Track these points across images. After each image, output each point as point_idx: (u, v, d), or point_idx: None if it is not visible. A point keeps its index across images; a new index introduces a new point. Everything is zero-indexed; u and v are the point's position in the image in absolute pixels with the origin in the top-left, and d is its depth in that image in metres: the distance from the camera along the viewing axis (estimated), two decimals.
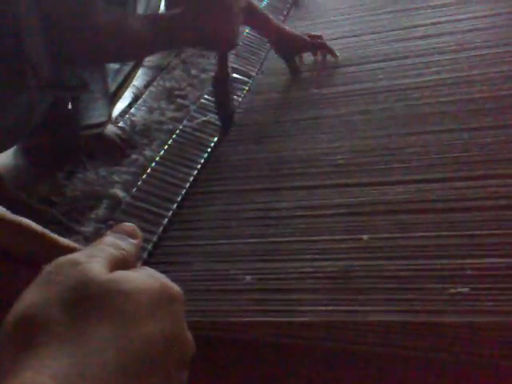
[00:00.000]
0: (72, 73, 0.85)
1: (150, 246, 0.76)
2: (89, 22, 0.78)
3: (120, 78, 1.02)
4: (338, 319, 0.60)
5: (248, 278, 0.67)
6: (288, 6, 1.45)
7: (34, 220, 0.79)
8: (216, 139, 0.98)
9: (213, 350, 0.60)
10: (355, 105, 0.97)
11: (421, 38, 1.12)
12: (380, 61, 1.08)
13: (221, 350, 0.61)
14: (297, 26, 1.34)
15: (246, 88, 1.12)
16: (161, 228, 0.80)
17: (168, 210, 0.83)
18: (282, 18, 1.39)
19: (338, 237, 0.71)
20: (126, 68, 1.02)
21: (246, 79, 1.16)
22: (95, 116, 0.96)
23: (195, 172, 0.90)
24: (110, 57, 0.89)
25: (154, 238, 0.78)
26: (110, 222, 0.79)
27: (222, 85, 0.99)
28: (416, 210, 0.72)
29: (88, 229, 0.79)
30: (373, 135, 0.88)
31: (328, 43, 1.14)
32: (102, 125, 0.97)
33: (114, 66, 0.99)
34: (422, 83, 0.97)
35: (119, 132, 0.98)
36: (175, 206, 0.84)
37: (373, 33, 1.21)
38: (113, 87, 1.00)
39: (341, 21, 1.32)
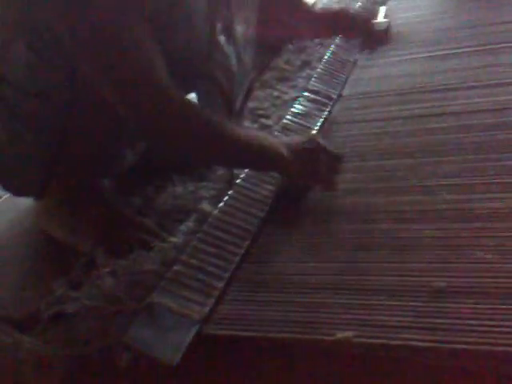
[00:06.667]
0: None
1: (237, 258, 0.79)
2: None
3: None
4: None
5: None
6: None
7: (129, 229, 0.84)
8: None
9: None
10: None
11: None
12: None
13: None
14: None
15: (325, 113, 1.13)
16: (247, 242, 0.82)
17: (253, 224, 0.85)
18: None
19: None
20: None
21: (326, 101, 1.18)
22: None
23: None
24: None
25: (241, 251, 0.80)
26: (199, 235, 0.83)
27: None
28: None
29: (178, 240, 0.82)
30: None
31: None
32: None
33: None
34: None
35: None
36: (259, 220, 0.86)
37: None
38: None
39: None
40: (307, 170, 0.87)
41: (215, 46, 0.91)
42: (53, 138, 0.84)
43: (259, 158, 0.87)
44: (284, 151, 0.85)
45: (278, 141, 0.90)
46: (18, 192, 0.95)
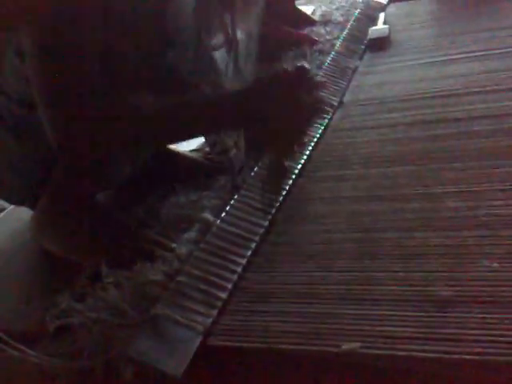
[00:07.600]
0: None
1: (240, 268, 0.79)
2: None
3: None
4: None
5: None
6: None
7: (132, 240, 0.83)
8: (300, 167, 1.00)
9: None
10: None
11: None
12: None
13: None
14: None
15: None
16: (249, 251, 0.82)
17: (256, 233, 0.85)
18: None
19: None
20: None
21: (327, 108, 1.18)
22: None
23: (281, 198, 0.92)
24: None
25: (244, 261, 0.80)
26: (201, 245, 0.82)
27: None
28: None
29: (181, 250, 0.82)
30: None
31: None
32: None
33: None
34: None
35: None
36: (262, 230, 0.86)
37: None
38: None
39: None
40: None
41: (201, 59, 0.90)
42: (40, 149, 0.84)
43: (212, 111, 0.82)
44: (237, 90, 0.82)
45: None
46: (9, 200, 0.96)
